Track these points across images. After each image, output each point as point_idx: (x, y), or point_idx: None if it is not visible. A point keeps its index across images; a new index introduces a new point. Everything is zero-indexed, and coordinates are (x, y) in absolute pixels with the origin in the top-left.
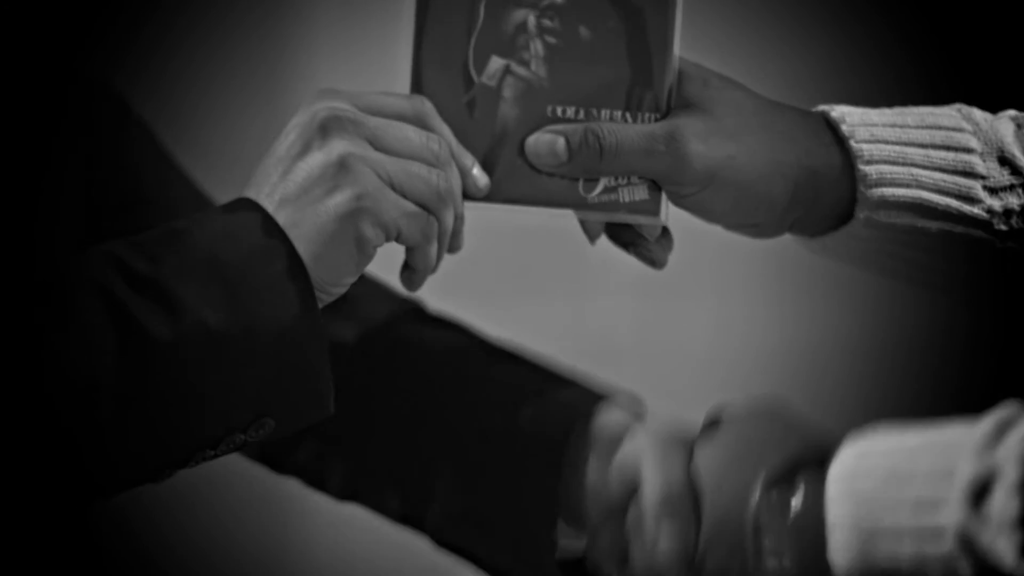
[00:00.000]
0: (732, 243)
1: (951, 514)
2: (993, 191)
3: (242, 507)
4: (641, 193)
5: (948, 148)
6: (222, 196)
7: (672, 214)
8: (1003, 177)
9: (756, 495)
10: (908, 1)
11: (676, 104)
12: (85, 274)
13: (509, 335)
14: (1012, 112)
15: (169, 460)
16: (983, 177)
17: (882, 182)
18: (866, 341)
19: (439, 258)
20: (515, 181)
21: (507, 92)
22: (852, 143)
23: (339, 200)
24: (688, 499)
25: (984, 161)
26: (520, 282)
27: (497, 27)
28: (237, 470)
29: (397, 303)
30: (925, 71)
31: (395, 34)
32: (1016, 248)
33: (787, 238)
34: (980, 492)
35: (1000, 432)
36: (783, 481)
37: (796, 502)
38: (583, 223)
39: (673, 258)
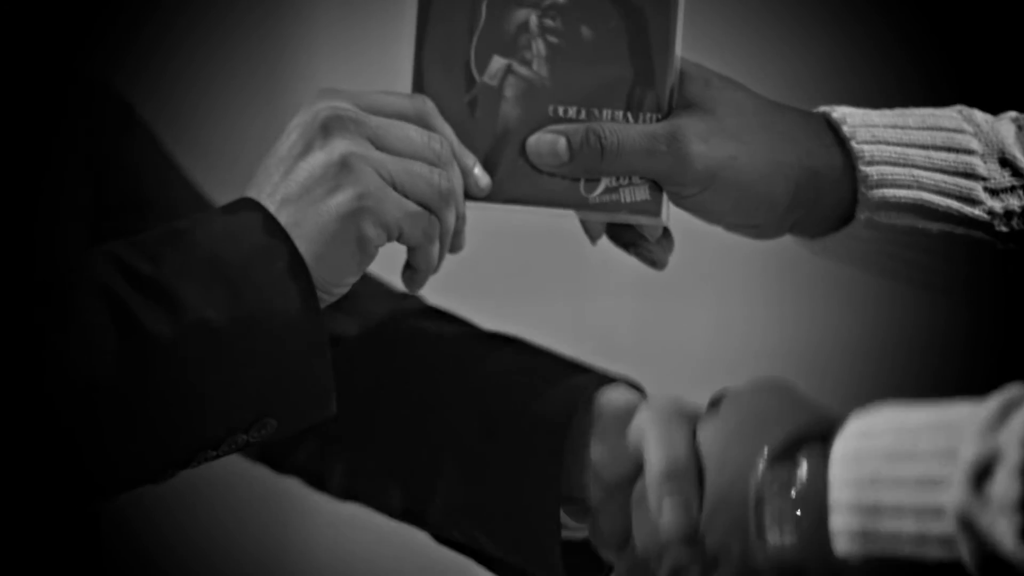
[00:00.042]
0: (732, 243)
1: (952, 494)
2: (994, 192)
3: (242, 507)
4: (642, 193)
5: (949, 149)
6: (222, 195)
7: (672, 214)
8: (1004, 179)
9: (759, 470)
10: (909, 2)
11: (677, 104)
12: (87, 274)
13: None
14: (1013, 113)
15: (171, 460)
16: (984, 178)
17: (883, 183)
18: (866, 341)
19: (441, 258)
20: (516, 181)
21: (509, 92)
22: (853, 144)
23: (341, 200)
24: (691, 473)
25: (985, 163)
26: (520, 282)
27: (499, 27)
28: (237, 470)
29: (396, 299)
30: (926, 72)
31: (396, 33)
32: (1017, 250)
33: (787, 238)
34: (982, 473)
35: (1004, 413)
36: (786, 456)
37: (799, 477)
38: (584, 223)
39: (673, 258)
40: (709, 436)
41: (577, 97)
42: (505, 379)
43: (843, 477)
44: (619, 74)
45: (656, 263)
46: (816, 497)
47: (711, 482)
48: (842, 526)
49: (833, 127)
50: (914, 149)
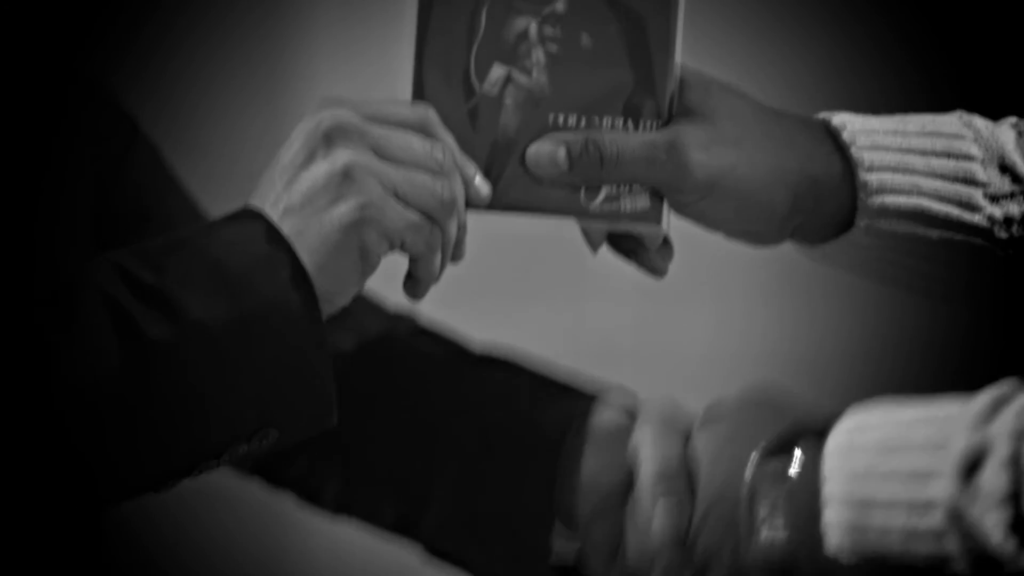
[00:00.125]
0: (731, 247)
1: (942, 487)
2: (994, 199)
3: (242, 507)
4: (643, 202)
5: (949, 156)
6: (222, 194)
7: (672, 218)
8: (1004, 185)
9: (752, 466)
10: (909, 7)
11: (677, 112)
12: (89, 283)
13: (509, 338)
14: (1013, 119)
15: (173, 469)
16: (984, 184)
17: (883, 190)
18: (865, 346)
19: (442, 267)
20: (517, 190)
21: (509, 100)
22: (853, 151)
23: (343, 210)
24: (683, 478)
25: (985, 168)
26: (520, 286)
27: (499, 35)
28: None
29: (390, 315)
30: (926, 75)
31: (396, 33)
32: (1017, 256)
33: (786, 243)
34: (971, 466)
35: (995, 408)
36: (781, 450)
37: (792, 470)
38: (585, 232)
39: (673, 262)
40: (702, 443)
41: (577, 105)
42: (499, 398)
43: (836, 470)
44: (619, 82)
45: (656, 271)
46: (808, 492)
47: (703, 486)
48: (834, 519)
49: (832, 134)
50: (914, 155)
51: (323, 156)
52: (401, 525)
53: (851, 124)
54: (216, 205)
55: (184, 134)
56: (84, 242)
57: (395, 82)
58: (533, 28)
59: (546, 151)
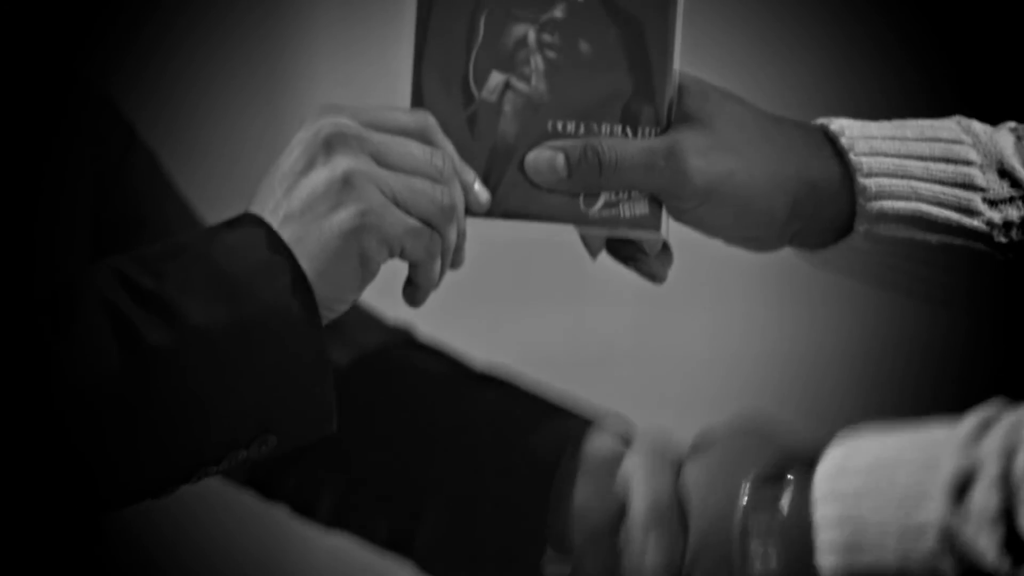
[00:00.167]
0: (730, 250)
1: (934, 510)
2: (993, 203)
3: (242, 507)
4: (642, 208)
5: (947, 160)
6: (221, 194)
7: (670, 224)
8: (1003, 189)
9: (743, 499)
10: (908, 13)
11: (676, 118)
12: (89, 289)
13: (509, 342)
14: (1011, 124)
15: (172, 475)
16: (983, 189)
17: (881, 195)
18: (864, 349)
19: (442, 274)
20: (516, 196)
21: (507, 107)
22: (851, 156)
23: (343, 217)
24: (675, 512)
25: (984, 173)
26: (519, 289)
27: (497, 42)
28: None
29: (387, 330)
30: (926, 77)
31: (396, 33)
32: (1016, 260)
33: (785, 247)
34: (962, 487)
35: (983, 428)
36: (770, 482)
37: (784, 502)
38: (584, 238)
39: (672, 265)
40: (693, 476)
41: (575, 112)
42: (494, 418)
43: (827, 494)
44: (617, 88)
45: (655, 277)
46: (801, 522)
47: (695, 521)
48: (827, 542)
49: (831, 139)
50: (912, 160)
51: (323, 163)
52: (394, 541)
53: (849, 129)
54: (216, 205)
55: (184, 134)
56: (83, 246)
57: (395, 82)
58: (532, 35)
59: (545, 158)
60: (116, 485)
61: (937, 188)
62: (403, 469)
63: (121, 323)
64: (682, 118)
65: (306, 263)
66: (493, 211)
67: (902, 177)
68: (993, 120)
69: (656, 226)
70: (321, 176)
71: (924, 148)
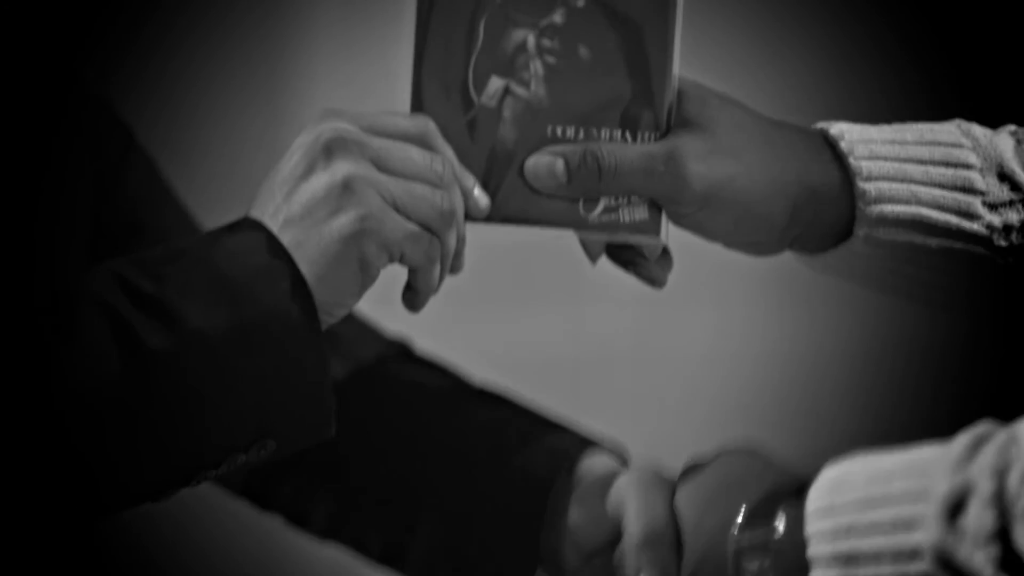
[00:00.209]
0: (730, 253)
1: (927, 532)
2: (993, 207)
3: (243, 507)
4: (641, 213)
5: (947, 164)
6: (221, 196)
7: (670, 227)
8: (1003, 193)
9: (737, 528)
10: (908, 15)
11: (675, 123)
12: (89, 293)
13: (509, 344)
14: (1011, 127)
15: (171, 478)
16: (982, 193)
17: (881, 199)
18: (864, 352)
19: (441, 279)
20: (516, 201)
21: (507, 112)
22: (851, 160)
23: (343, 221)
24: (670, 535)
25: (983, 177)
26: (519, 290)
27: (497, 47)
28: None
29: (385, 343)
30: (928, 82)
31: (395, 33)
32: (1016, 264)
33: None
34: (955, 508)
35: (974, 448)
36: (763, 514)
37: (776, 534)
38: (584, 243)
39: (672, 266)
40: (687, 499)
41: (575, 117)
42: (488, 436)
43: (819, 530)
44: (617, 93)
45: (655, 282)
46: (794, 553)
47: (689, 546)
48: (821, 558)
49: (831, 143)
50: (912, 164)
51: (323, 168)
52: (387, 555)
53: (849, 134)
54: (215, 206)
55: (183, 135)
56: (81, 250)
57: (395, 83)
58: (531, 40)
59: (545, 163)
60: (116, 488)
61: (937, 192)
62: (398, 483)
63: (121, 327)
64: (681, 123)
65: (306, 268)
66: (493, 216)
67: (902, 181)
68: (994, 123)
69: (656, 231)
70: (321, 181)
71: (924, 152)
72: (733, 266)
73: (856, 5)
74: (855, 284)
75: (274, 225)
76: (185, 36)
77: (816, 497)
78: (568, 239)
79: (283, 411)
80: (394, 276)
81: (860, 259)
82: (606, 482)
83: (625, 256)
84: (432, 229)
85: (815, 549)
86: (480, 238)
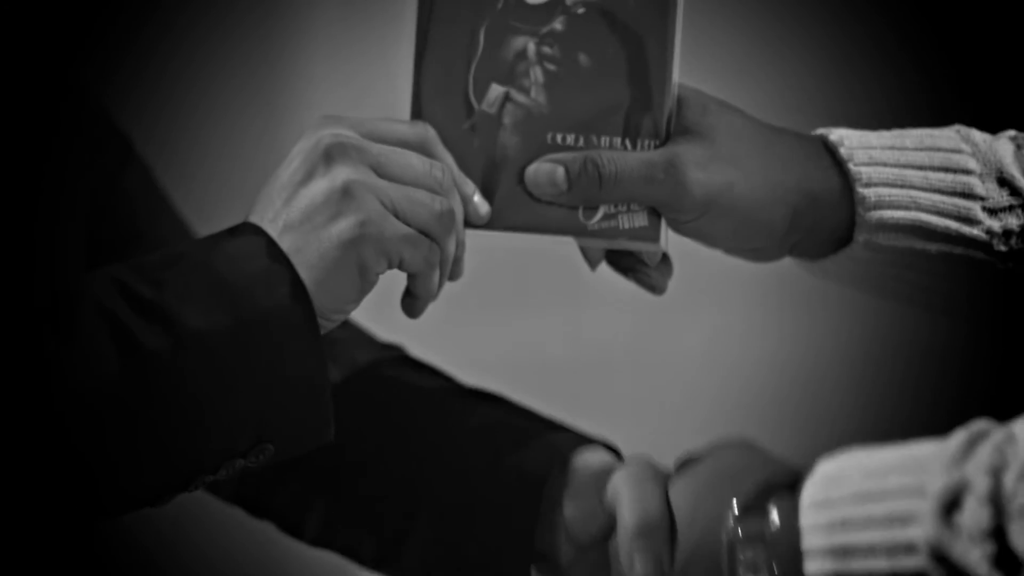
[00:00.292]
0: (729, 258)
1: (922, 528)
2: (992, 212)
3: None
4: (640, 220)
5: (947, 170)
6: (221, 197)
7: (670, 232)
8: (1002, 198)
9: (730, 521)
10: (908, 18)
11: (675, 130)
12: (88, 297)
13: (508, 348)
14: (1011, 132)
15: (170, 483)
16: (982, 198)
17: (880, 204)
18: (863, 355)
19: (440, 285)
20: (515, 208)
21: (507, 119)
22: (850, 166)
23: (342, 227)
24: (662, 529)
25: (983, 182)
26: (519, 296)
27: (497, 54)
28: None
29: (378, 347)
30: (928, 82)
31: (395, 34)
32: (1016, 269)
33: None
34: (951, 504)
35: (970, 446)
36: (756, 506)
37: (770, 526)
38: (583, 250)
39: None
40: (680, 492)
41: (575, 124)
42: (483, 434)
43: (814, 523)
44: (617, 101)
45: (655, 288)
46: (788, 545)
47: (683, 537)
48: (816, 571)
49: (830, 149)
50: (911, 170)
51: (322, 173)
52: (381, 559)
53: (848, 140)
54: (215, 207)
55: (183, 135)
56: (80, 258)
57: (394, 83)
58: (531, 47)
59: (545, 171)
60: (115, 492)
61: (936, 197)
62: (393, 484)
63: (120, 331)
64: (681, 130)
65: (305, 272)
66: (492, 222)
67: (901, 187)
68: (994, 127)
69: (655, 238)
70: (320, 186)
71: (923, 158)
72: (733, 271)
73: (855, 8)
74: (855, 289)
75: (273, 230)
76: (183, 38)
77: (812, 490)
78: (567, 245)
79: (282, 416)
80: (393, 282)
81: (860, 265)
82: (600, 476)
83: (625, 262)
84: (431, 235)
85: (810, 542)
86: (480, 244)
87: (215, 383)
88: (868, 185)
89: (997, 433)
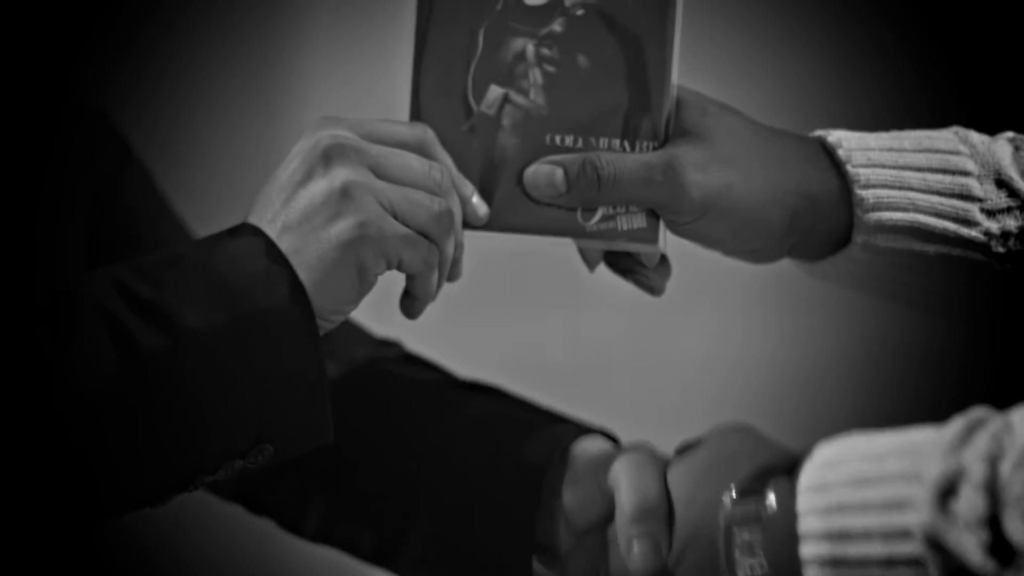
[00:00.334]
0: (728, 260)
1: (918, 514)
2: (990, 213)
3: (241, 507)
4: (639, 221)
5: (945, 171)
6: (221, 195)
7: (668, 234)
8: (1000, 199)
9: (727, 503)
10: (907, 20)
11: (674, 132)
12: (88, 298)
13: (506, 349)
14: (1009, 134)
15: (169, 483)
16: (980, 200)
17: (879, 206)
18: (862, 357)
19: (439, 286)
20: (514, 210)
21: (506, 121)
22: (849, 168)
23: (341, 228)
24: (661, 513)
25: (981, 184)
26: (517, 297)
27: (496, 56)
28: None
29: (376, 343)
30: (929, 86)
31: (395, 34)
32: (1014, 270)
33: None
34: (947, 491)
35: (968, 433)
36: (753, 489)
37: (767, 509)
38: (582, 251)
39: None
40: (678, 477)
41: (574, 126)
42: (482, 426)
43: (811, 506)
44: (615, 102)
45: (654, 289)
46: (784, 528)
47: (680, 521)
48: (812, 554)
49: (829, 151)
50: (910, 172)
51: (321, 174)
52: (380, 554)
53: (847, 141)
54: (213, 209)
55: (182, 135)
56: (80, 261)
57: (393, 83)
58: (530, 49)
59: (544, 172)
60: (115, 492)
61: (935, 199)
62: (392, 479)
63: (119, 332)
64: (680, 132)
65: (304, 273)
66: (491, 224)
67: (899, 188)
68: (993, 127)
69: (653, 239)
70: (319, 187)
71: (921, 159)
72: (731, 273)
73: (855, 8)
74: (854, 291)
75: (272, 231)
76: (183, 38)
77: (809, 473)
78: (566, 246)
79: (281, 416)
80: (392, 283)
81: (859, 266)
82: (599, 462)
83: (623, 264)
84: (430, 236)
85: (806, 525)
86: (478, 245)
87: (214, 383)
88: (866, 187)
89: (995, 421)
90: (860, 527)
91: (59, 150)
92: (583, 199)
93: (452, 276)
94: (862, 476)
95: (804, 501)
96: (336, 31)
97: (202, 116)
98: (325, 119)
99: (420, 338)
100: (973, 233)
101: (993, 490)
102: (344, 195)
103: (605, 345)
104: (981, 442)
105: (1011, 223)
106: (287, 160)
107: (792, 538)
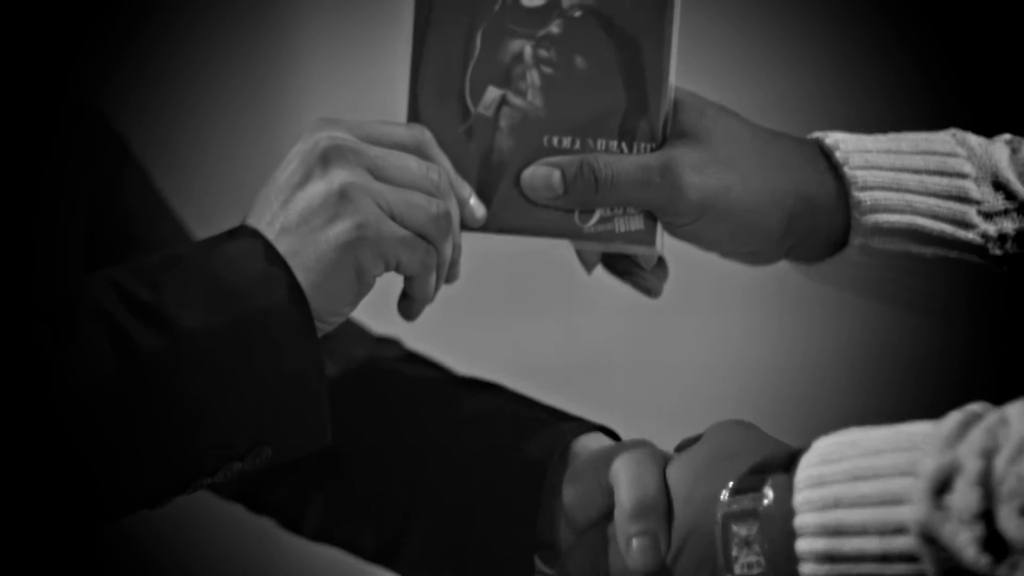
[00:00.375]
0: (726, 262)
1: (913, 509)
2: (988, 216)
3: (241, 507)
4: (636, 223)
5: (942, 174)
6: (221, 195)
7: (666, 235)
8: (997, 202)
9: (724, 499)
10: (906, 21)
11: (671, 134)
12: (86, 300)
13: (504, 351)
14: (1007, 136)
15: (169, 485)
16: (977, 202)
17: (876, 208)
18: (861, 359)
19: (437, 288)
20: (511, 211)
21: (503, 122)
22: (846, 170)
23: (339, 230)
24: (659, 509)
25: (978, 186)
26: (515, 298)
27: (493, 57)
28: None
29: (375, 341)
30: (929, 86)
31: (394, 34)
32: (1012, 272)
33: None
34: (942, 486)
35: (963, 428)
36: (750, 485)
37: (766, 498)
38: (579, 253)
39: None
40: (677, 473)
41: (571, 127)
42: (482, 423)
43: (807, 502)
44: (613, 104)
45: (651, 291)
46: (782, 523)
47: (679, 517)
48: (808, 549)
49: (826, 153)
50: (907, 174)
51: (319, 176)
52: (381, 553)
53: (844, 143)
54: (212, 210)
55: (182, 135)
56: (78, 262)
57: (391, 84)
58: (528, 50)
59: (541, 174)
60: (113, 494)
61: (932, 201)
62: (392, 477)
63: (118, 334)
64: (678, 134)
65: (302, 275)
66: (488, 225)
67: (897, 190)
68: (993, 128)
69: (651, 241)
70: (318, 189)
71: (919, 161)
72: (729, 275)
73: (855, 8)
74: (852, 293)
75: (270, 233)
76: (183, 38)
77: (806, 467)
78: (563, 248)
79: (279, 418)
80: (390, 284)
81: (856, 268)
82: (598, 458)
83: (621, 266)
84: (428, 237)
85: (802, 519)
86: (476, 247)
87: (213, 385)
88: (864, 189)
89: (990, 416)
90: (856, 522)
91: (58, 150)
92: (580, 201)
93: (450, 278)
94: (858, 471)
95: (801, 495)
96: (335, 32)
97: (201, 116)
98: (323, 120)
99: (418, 340)
100: (970, 235)
101: (987, 485)
102: (342, 197)
103: (603, 347)
104: (976, 437)
105: (1008, 225)
106: (285, 161)
107: (789, 533)
